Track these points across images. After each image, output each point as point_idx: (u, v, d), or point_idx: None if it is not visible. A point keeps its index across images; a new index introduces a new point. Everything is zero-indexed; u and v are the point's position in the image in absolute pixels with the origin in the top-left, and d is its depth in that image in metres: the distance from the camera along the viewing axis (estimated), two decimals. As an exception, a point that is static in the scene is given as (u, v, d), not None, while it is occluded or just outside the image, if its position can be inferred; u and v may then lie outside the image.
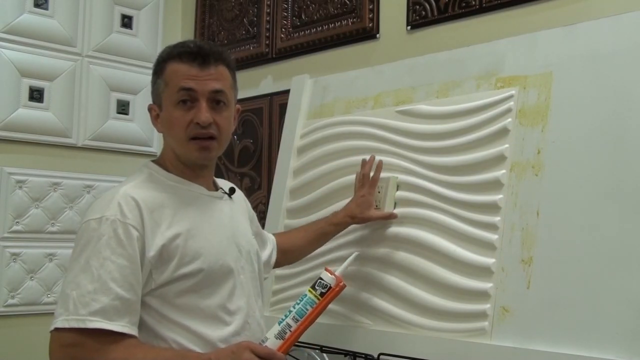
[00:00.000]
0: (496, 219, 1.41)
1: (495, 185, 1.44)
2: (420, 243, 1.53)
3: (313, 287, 1.27)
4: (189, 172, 1.32)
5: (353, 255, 1.38)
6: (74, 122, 2.45)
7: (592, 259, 1.26)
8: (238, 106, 1.40)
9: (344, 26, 2.10)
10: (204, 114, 1.25)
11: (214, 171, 1.40)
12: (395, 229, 1.60)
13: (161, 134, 1.35)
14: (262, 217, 2.22)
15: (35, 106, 2.36)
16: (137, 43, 2.61)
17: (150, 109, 1.33)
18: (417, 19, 1.90)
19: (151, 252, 1.20)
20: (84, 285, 1.14)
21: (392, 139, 1.67)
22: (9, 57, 2.31)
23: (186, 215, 1.26)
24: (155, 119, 1.32)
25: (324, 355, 1.61)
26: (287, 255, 1.64)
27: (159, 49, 2.66)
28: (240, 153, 2.43)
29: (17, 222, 2.30)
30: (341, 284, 1.28)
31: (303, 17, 2.25)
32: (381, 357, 1.49)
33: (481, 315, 1.38)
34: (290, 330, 1.22)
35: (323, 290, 1.26)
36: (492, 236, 1.41)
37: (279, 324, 1.24)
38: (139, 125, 2.58)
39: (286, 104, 2.07)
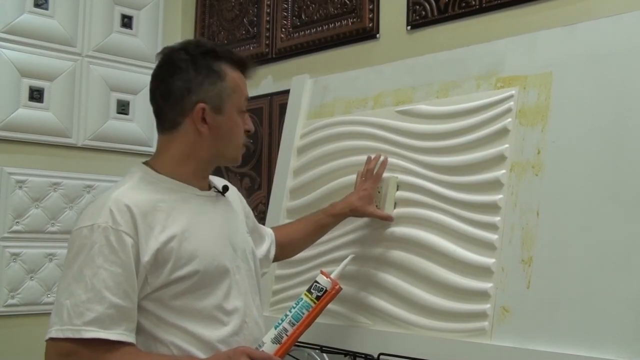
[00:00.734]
0: (496, 219, 1.41)
1: (495, 185, 1.44)
2: (420, 243, 1.53)
3: (309, 290, 1.27)
4: (196, 174, 1.30)
5: (349, 258, 1.38)
6: (74, 122, 2.45)
7: (592, 259, 1.26)
8: None
9: (344, 26, 2.10)
10: (251, 124, 1.36)
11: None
12: (395, 229, 1.60)
13: (189, 135, 1.28)
14: (262, 217, 2.22)
15: (35, 106, 2.36)
16: (137, 43, 2.61)
17: (200, 109, 1.26)
18: (417, 19, 1.90)
19: (146, 257, 1.18)
20: (77, 295, 1.13)
21: (392, 139, 1.67)
22: (9, 57, 2.31)
23: (179, 217, 1.24)
24: (203, 120, 1.26)
25: (324, 355, 1.61)
26: (286, 249, 1.63)
27: (159, 49, 2.63)
28: (240, 153, 2.42)
29: (17, 222, 2.30)
30: (337, 287, 1.27)
31: (303, 17, 2.25)
32: (381, 357, 1.49)
33: (481, 315, 1.38)
34: (286, 335, 1.22)
35: (319, 294, 1.26)
36: (492, 236, 1.41)
37: (275, 328, 1.23)
38: (139, 125, 2.58)
39: (286, 104, 2.07)
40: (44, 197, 2.36)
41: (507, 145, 1.45)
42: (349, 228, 1.69)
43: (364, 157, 1.71)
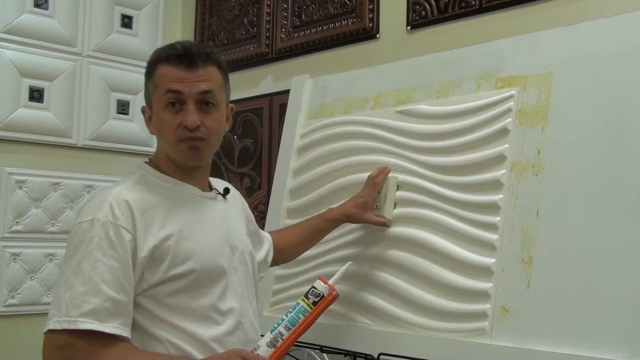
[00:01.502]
0: (496, 219, 1.41)
1: (495, 185, 1.44)
2: (420, 243, 1.53)
3: (306, 295, 1.28)
4: (182, 172, 1.32)
5: (347, 265, 1.38)
6: (74, 122, 2.45)
7: (592, 259, 1.26)
8: (232, 106, 1.40)
9: (344, 26, 2.10)
10: (191, 116, 1.25)
11: (208, 172, 1.40)
12: (395, 229, 1.59)
13: (154, 135, 1.35)
14: (262, 217, 2.23)
15: (35, 106, 2.36)
16: (137, 43, 2.61)
17: (143, 111, 1.34)
18: (417, 19, 1.90)
19: (143, 252, 1.20)
20: (75, 287, 1.14)
21: (392, 139, 1.67)
22: (9, 57, 2.31)
23: (178, 216, 1.26)
24: (148, 120, 1.33)
25: (324, 355, 1.61)
26: (283, 254, 1.64)
27: (159, 49, 2.66)
28: (240, 153, 2.43)
29: (17, 222, 2.30)
30: (334, 293, 1.28)
31: (303, 17, 2.25)
32: (381, 357, 1.49)
33: (481, 315, 1.38)
34: (282, 339, 1.23)
35: (316, 299, 1.26)
36: (492, 236, 1.41)
37: (271, 332, 1.24)
38: (139, 125, 2.58)
39: (286, 104, 2.07)
40: (44, 197, 2.36)
41: (507, 145, 1.44)
42: (349, 228, 1.69)
43: (364, 157, 1.72)
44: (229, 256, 1.32)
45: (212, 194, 1.37)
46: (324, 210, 1.66)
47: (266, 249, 1.58)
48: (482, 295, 1.39)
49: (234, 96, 2.45)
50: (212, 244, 1.30)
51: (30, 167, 2.35)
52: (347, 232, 1.70)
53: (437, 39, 1.85)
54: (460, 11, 1.80)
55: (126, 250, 1.18)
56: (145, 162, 1.34)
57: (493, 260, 1.40)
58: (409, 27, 1.93)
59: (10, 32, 2.32)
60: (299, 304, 1.27)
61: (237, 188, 2.41)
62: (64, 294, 1.15)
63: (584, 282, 1.25)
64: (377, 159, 1.68)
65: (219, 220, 1.35)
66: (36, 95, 2.36)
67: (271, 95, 2.35)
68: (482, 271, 1.40)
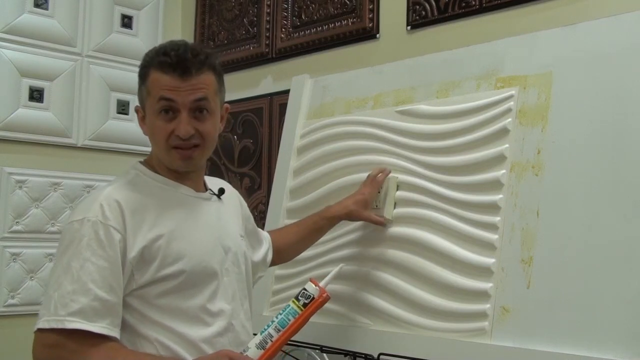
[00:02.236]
0: (496, 219, 1.41)
1: (495, 185, 1.44)
2: (420, 243, 1.53)
3: (297, 297, 1.26)
4: (176, 174, 1.32)
5: (338, 268, 1.36)
6: (74, 122, 2.45)
7: (592, 259, 1.26)
8: (227, 105, 1.39)
9: (344, 26, 2.10)
10: (184, 127, 1.24)
11: (203, 172, 1.39)
12: (395, 229, 1.59)
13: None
14: (262, 217, 2.22)
15: (35, 106, 2.36)
16: (137, 43, 2.61)
17: (136, 111, 1.33)
18: (417, 19, 1.90)
19: (132, 253, 1.20)
20: (64, 286, 1.15)
21: (392, 139, 1.67)
22: (9, 57, 2.31)
23: (170, 217, 1.26)
24: (142, 120, 1.32)
25: (324, 355, 1.61)
26: (281, 254, 1.63)
27: (159, 49, 2.66)
28: (240, 153, 2.43)
29: (17, 222, 2.30)
30: (325, 295, 1.27)
31: (303, 17, 2.25)
32: (381, 357, 1.49)
33: (481, 315, 1.38)
34: (271, 340, 1.22)
35: (306, 301, 1.26)
36: (492, 236, 1.41)
37: (261, 334, 1.23)
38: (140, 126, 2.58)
39: (286, 104, 2.07)
40: (44, 197, 2.36)
41: (507, 145, 1.44)
42: (349, 228, 1.69)
43: (364, 157, 1.72)
44: (221, 257, 1.32)
45: (207, 194, 1.36)
46: (323, 208, 1.66)
47: (265, 248, 1.58)
48: (482, 295, 1.39)
49: (234, 96, 2.47)
50: (204, 245, 1.29)
51: (30, 167, 2.35)
52: (346, 232, 1.70)
53: (437, 39, 1.85)
54: (460, 11, 1.80)
55: (115, 250, 1.18)
56: (140, 162, 1.34)
57: (493, 260, 1.40)
58: (409, 27, 1.93)
59: (10, 32, 2.32)
60: (289, 305, 1.26)
61: (237, 188, 2.41)
62: (53, 293, 1.15)
63: (584, 282, 1.25)
64: (377, 159, 1.68)
65: (212, 221, 1.34)
66: (36, 95, 2.36)
67: (271, 95, 2.35)
68: (482, 271, 1.40)
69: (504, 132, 1.46)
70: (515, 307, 1.34)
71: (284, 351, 1.83)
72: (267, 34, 2.38)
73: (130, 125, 2.58)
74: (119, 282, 1.19)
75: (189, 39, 2.72)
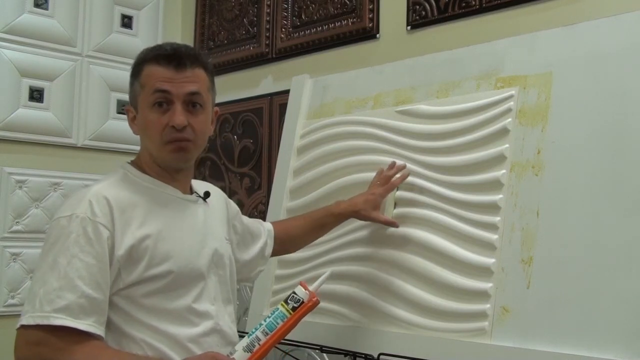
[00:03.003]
0: (496, 219, 1.41)
1: (495, 185, 1.44)
2: (420, 243, 1.53)
3: (286, 301, 1.24)
4: (165, 174, 1.31)
5: (328, 273, 1.33)
6: (74, 122, 2.45)
7: (592, 259, 1.26)
8: (217, 109, 1.39)
9: (344, 26, 2.10)
10: (179, 116, 1.25)
11: (191, 175, 1.39)
12: (395, 229, 1.59)
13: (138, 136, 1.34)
14: (262, 217, 2.22)
15: (35, 106, 2.36)
16: (137, 43, 2.61)
17: (127, 111, 1.33)
18: (417, 19, 1.90)
19: (120, 251, 1.19)
20: (50, 283, 1.13)
21: (392, 139, 1.67)
22: (9, 57, 2.31)
23: (158, 217, 1.26)
24: (132, 121, 1.32)
25: (324, 355, 1.61)
26: (285, 245, 1.63)
27: (159, 49, 2.66)
28: (240, 153, 2.43)
29: (17, 222, 2.30)
30: (314, 299, 1.24)
31: (303, 17, 2.25)
32: (381, 357, 1.49)
33: (481, 315, 1.38)
34: (258, 344, 1.19)
35: (295, 305, 1.23)
36: (492, 236, 1.41)
37: (248, 337, 1.21)
38: (139, 125, 2.58)
39: (286, 104, 2.07)
40: (44, 197, 2.36)
41: (507, 145, 1.45)
42: (349, 228, 1.69)
43: (364, 157, 1.72)
44: (207, 259, 1.32)
45: (193, 197, 1.36)
46: (332, 203, 1.64)
47: (262, 242, 1.56)
48: (482, 295, 1.39)
49: (234, 96, 2.47)
50: (190, 247, 1.29)
51: (30, 167, 2.35)
52: (347, 232, 1.70)
53: (437, 39, 1.84)
54: (460, 11, 1.80)
55: (104, 247, 1.17)
56: (128, 163, 1.34)
57: (493, 260, 1.40)
58: (409, 27, 1.93)
59: (10, 32, 2.31)
60: (277, 309, 1.23)
61: (237, 188, 2.43)
62: (38, 289, 1.14)
63: (584, 282, 1.25)
64: (377, 159, 1.68)
65: (198, 223, 1.34)
66: (36, 95, 2.36)
67: (271, 95, 2.35)
68: (482, 271, 1.40)
69: (504, 132, 1.46)
70: (515, 307, 1.34)
71: (283, 351, 1.83)
72: (267, 34, 2.38)
73: (130, 125, 2.58)
74: (106, 280, 1.17)
75: (189, 39, 2.73)
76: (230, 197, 2.44)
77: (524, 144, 1.42)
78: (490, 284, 1.39)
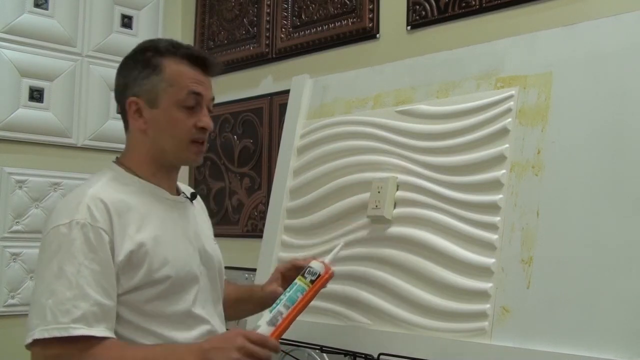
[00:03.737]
0: (496, 219, 1.41)
1: (495, 185, 1.44)
2: (420, 243, 1.53)
3: (303, 275, 1.29)
4: (160, 174, 1.30)
5: (341, 244, 1.37)
6: (74, 122, 2.45)
7: (592, 259, 1.26)
8: None
9: (344, 26, 2.10)
10: (210, 120, 1.28)
11: (177, 175, 1.38)
12: (395, 229, 1.59)
13: (134, 132, 1.29)
14: (262, 217, 2.23)
15: (35, 106, 2.36)
16: (137, 43, 2.61)
17: (131, 103, 1.26)
18: (417, 19, 1.90)
19: (120, 256, 1.17)
20: (60, 292, 1.10)
21: (392, 139, 1.67)
22: (9, 57, 2.31)
23: (153, 221, 1.24)
24: (138, 113, 1.27)
25: (324, 355, 1.61)
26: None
27: (159, 49, 2.66)
28: (240, 153, 2.43)
29: (17, 222, 2.30)
30: (330, 272, 1.30)
31: (303, 17, 2.25)
32: (381, 357, 1.49)
33: (481, 315, 1.38)
34: (281, 317, 1.23)
35: (313, 278, 1.29)
36: (492, 236, 1.41)
37: (270, 312, 1.24)
38: (139, 125, 2.58)
39: (286, 104, 2.07)
40: (44, 197, 2.36)
41: (507, 145, 1.44)
42: (349, 228, 1.69)
43: (364, 157, 1.72)
44: (199, 261, 1.32)
45: (181, 197, 1.35)
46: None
47: None
48: (482, 295, 1.39)
49: (234, 96, 2.47)
50: (184, 250, 1.28)
51: (30, 167, 2.35)
52: (346, 232, 1.69)
53: (437, 39, 1.84)
54: (460, 11, 1.80)
55: (106, 252, 1.15)
56: (114, 162, 1.32)
57: (493, 260, 1.40)
58: (409, 27, 1.93)
59: (10, 32, 2.32)
60: (296, 283, 1.28)
61: (237, 188, 2.43)
62: (46, 300, 1.10)
63: (584, 282, 1.25)
64: (377, 159, 1.68)
65: (190, 224, 1.33)
66: (36, 95, 2.36)
67: (271, 95, 2.35)
68: (482, 271, 1.40)
69: (504, 132, 1.46)
70: (515, 307, 1.33)
71: (284, 351, 1.83)
72: (267, 34, 2.38)
73: (130, 125, 2.58)
74: (113, 285, 1.16)
75: (189, 39, 2.73)
76: (230, 197, 2.46)
77: (524, 144, 1.42)
78: (490, 284, 1.38)
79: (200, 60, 1.27)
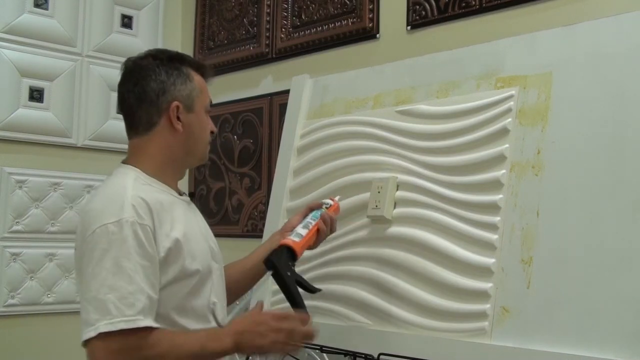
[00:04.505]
0: (496, 219, 1.41)
1: (495, 185, 1.44)
2: (420, 243, 1.53)
3: (319, 208, 1.54)
4: (172, 176, 1.36)
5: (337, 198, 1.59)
6: (74, 122, 2.45)
7: (592, 259, 1.26)
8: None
9: (344, 26, 2.10)
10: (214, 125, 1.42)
11: None
12: (395, 229, 1.59)
13: (164, 133, 1.32)
14: (262, 217, 2.23)
15: (35, 106, 2.36)
16: (137, 43, 2.61)
17: (175, 107, 1.31)
18: (417, 19, 1.90)
19: (161, 253, 1.23)
20: (122, 287, 1.14)
21: (392, 139, 1.67)
22: (9, 57, 2.31)
23: (179, 218, 1.30)
24: (175, 116, 1.32)
25: (324, 355, 1.61)
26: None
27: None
28: (240, 153, 2.43)
29: (17, 222, 2.30)
30: (337, 204, 1.58)
31: (303, 17, 2.25)
32: (381, 357, 1.49)
33: (481, 315, 1.38)
34: (308, 229, 1.46)
35: (326, 206, 1.55)
36: (492, 236, 1.41)
37: (299, 228, 1.46)
38: (139, 125, 2.58)
39: (286, 104, 2.07)
40: (44, 197, 2.36)
41: (507, 145, 1.44)
42: (349, 228, 1.69)
43: (364, 157, 1.72)
44: (211, 257, 1.38)
45: (186, 197, 1.41)
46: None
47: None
48: (482, 295, 1.39)
49: (234, 96, 2.47)
50: (203, 245, 1.36)
51: (30, 167, 2.35)
52: (346, 232, 1.69)
53: (437, 39, 1.84)
54: (460, 11, 1.80)
55: (153, 248, 1.21)
56: (129, 165, 1.33)
57: (493, 260, 1.40)
58: (409, 27, 1.93)
59: (10, 32, 2.32)
60: (314, 212, 1.52)
61: (237, 188, 2.43)
62: (105, 295, 1.14)
63: (584, 282, 1.25)
64: (377, 159, 1.69)
65: (199, 221, 1.41)
66: (36, 95, 2.36)
67: (271, 95, 2.35)
68: (482, 271, 1.40)
69: (504, 132, 1.46)
70: (515, 307, 1.34)
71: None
72: (267, 34, 2.38)
73: (130, 125, 2.58)
74: (158, 280, 1.22)
75: (189, 39, 2.73)
76: (230, 197, 2.46)
77: (524, 144, 1.42)
78: (490, 284, 1.39)
79: (205, 70, 1.40)
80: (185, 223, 1.30)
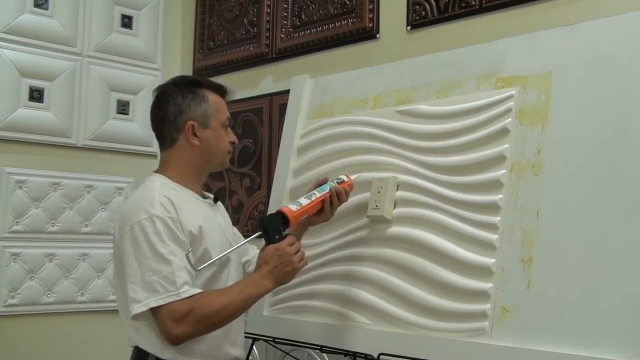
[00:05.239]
0: (496, 219, 1.41)
1: (495, 185, 1.44)
2: (420, 243, 1.53)
3: (332, 182, 1.61)
4: (198, 181, 1.55)
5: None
6: (74, 122, 2.45)
7: (592, 259, 1.26)
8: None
9: (344, 26, 2.10)
10: (235, 136, 1.59)
11: None
12: (395, 229, 1.59)
13: (184, 147, 1.50)
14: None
15: (35, 106, 2.36)
16: (137, 43, 2.61)
17: (190, 126, 1.50)
18: (417, 19, 1.90)
19: (186, 237, 1.41)
20: (163, 269, 1.35)
21: (392, 139, 1.67)
22: (9, 57, 2.31)
23: (198, 215, 1.47)
24: (191, 133, 1.50)
25: (324, 355, 1.61)
26: None
27: (159, 49, 2.67)
28: (240, 153, 2.43)
29: (17, 222, 2.30)
30: (351, 181, 1.64)
31: (303, 17, 2.25)
32: (381, 357, 1.49)
33: (481, 315, 1.38)
34: (315, 196, 1.55)
35: (338, 182, 1.61)
36: (492, 236, 1.41)
37: (304, 197, 1.55)
38: (139, 125, 2.58)
39: (286, 104, 2.07)
40: (44, 197, 2.36)
41: (507, 145, 1.44)
42: (349, 228, 1.69)
43: (364, 157, 1.72)
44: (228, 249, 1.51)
45: (209, 200, 1.58)
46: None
47: (247, 257, 1.68)
48: (482, 295, 1.39)
49: (234, 96, 2.47)
50: (222, 239, 1.52)
51: (30, 167, 2.35)
52: (346, 232, 1.70)
53: (437, 39, 1.85)
54: (460, 11, 1.80)
55: (183, 235, 1.39)
56: (158, 174, 1.51)
57: (493, 260, 1.40)
58: (409, 27, 1.93)
59: (10, 32, 2.32)
60: (327, 184, 1.59)
61: (237, 188, 2.43)
62: (150, 277, 1.34)
63: (584, 282, 1.25)
64: (377, 159, 1.69)
65: (220, 220, 1.57)
66: (36, 95, 2.36)
67: (271, 95, 2.35)
68: (482, 271, 1.40)
69: (504, 132, 1.46)
70: (515, 307, 1.34)
71: (283, 351, 1.83)
72: (267, 34, 2.38)
73: (130, 125, 2.58)
74: (192, 259, 1.40)
75: (189, 39, 2.73)
76: (230, 197, 2.46)
77: (524, 144, 1.42)
78: (490, 284, 1.39)
79: (223, 90, 1.59)
80: (203, 218, 1.46)
